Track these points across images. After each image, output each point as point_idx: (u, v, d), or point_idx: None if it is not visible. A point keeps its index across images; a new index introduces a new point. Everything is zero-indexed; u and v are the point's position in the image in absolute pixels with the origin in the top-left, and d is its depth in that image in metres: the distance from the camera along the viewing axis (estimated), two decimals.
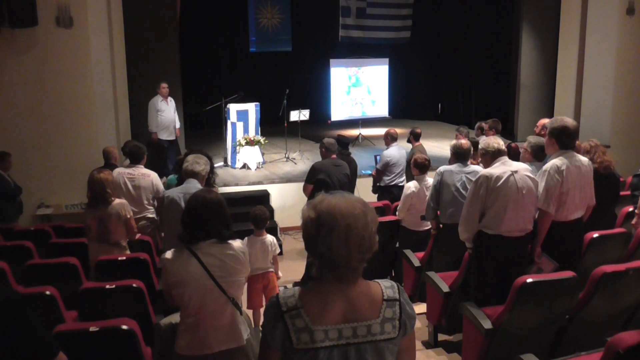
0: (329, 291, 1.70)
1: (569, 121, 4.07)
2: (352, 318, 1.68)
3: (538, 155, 4.71)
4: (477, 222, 4.04)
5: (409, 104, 15.37)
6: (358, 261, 1.69)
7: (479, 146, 4.36)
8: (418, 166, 5.62)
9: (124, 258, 4.38)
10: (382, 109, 12.92)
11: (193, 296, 2.65)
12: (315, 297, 1.70)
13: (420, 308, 4.82)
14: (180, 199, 3.99)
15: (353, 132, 12.20)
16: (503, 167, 4.02)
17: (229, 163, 9.73)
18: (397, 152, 7.19)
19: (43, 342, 1.72)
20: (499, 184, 3.92)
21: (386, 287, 1.75)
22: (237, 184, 8.69)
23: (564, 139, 4.03)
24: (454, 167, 5.03)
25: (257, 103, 9.80)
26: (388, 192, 7.15)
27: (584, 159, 4.13)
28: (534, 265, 4.04)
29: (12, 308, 1.67)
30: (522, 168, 4.07)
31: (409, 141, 7.52)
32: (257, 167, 9.55)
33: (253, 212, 4.81)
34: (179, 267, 2.66)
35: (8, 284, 4.04)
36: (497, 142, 4.21)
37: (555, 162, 3.99)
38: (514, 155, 5.73)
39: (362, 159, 9.45)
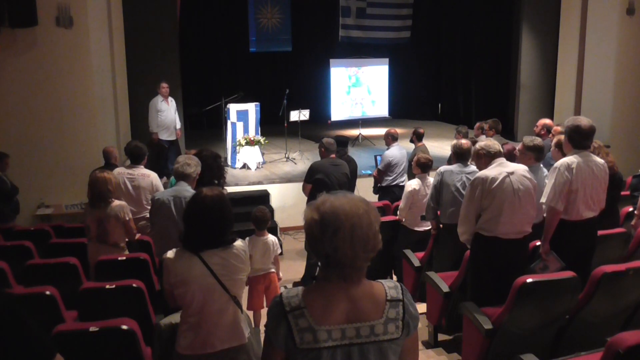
0: (333, 291, 1.70)
1: (583, 121, 4.02)
2: (355, 318, 1.68)
3: (537, 156, 4.70)
4: (474, 224, 4.04)
5: (409, 104, 15.37)
6: (363, 260, 1.70)
7: (476, 147, 4.36)
8: (421, 165, 5.63)
9: (124, 258, 4.38)
10: (382, 109, 12.92)
11: (196, 295, 2.65)
12: (318, 297, 1.70)
13: (420, 308, 4.82)
14: (170, 202, 3.97)
15: (353, 132, 12.20)
16: (499, 169, 4.01)
17: (229, 163, 9.72)
18: (398, 152, 7.20)
19: (40, 344, 1.71)
20: (494, 185, 3.91)
21: (389, 287, 1.75)
22: (237, 184, 8.69)
23: (576, 138, 4.00)
24: (454, 167, 5.04)
25: (257, 103, 9.80)
26: (389, 192, 7.15)
27: (599, 160, 4.09)
28: (540, 261, 4.04)
29: (7, 310, 1.66)
30: (519, 169, 4.05)
31: (411, 141, 7.52)
32: (257, 167, 9.56)
33: (254, 213, 4.81)
34: (182, 266, 2.66)
35: (8, 284, 4.04)
36: (496, 144, 4.22)
37: (566, 159, 3.98)
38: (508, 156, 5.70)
39: (362, 159, 9.45)
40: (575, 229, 4.03)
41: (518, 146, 4.96)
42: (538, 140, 4.75)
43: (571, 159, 3.96)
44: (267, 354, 1.74)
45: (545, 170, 4.82)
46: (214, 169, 4.50)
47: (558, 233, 4.01)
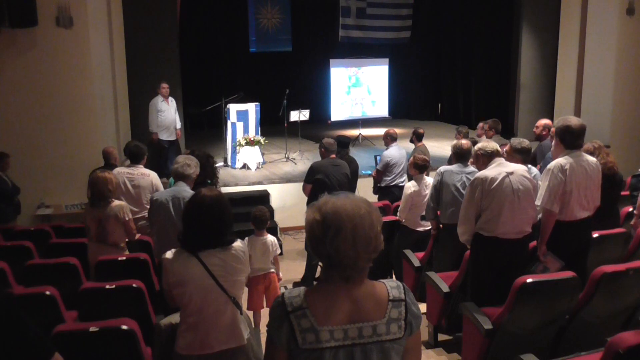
0: (335, 291, 1.70)
1: (573, 120, 4.02)
2: (358, 318, 1.69)
3: (524, 159, 4.68)
4: (474, 224, 4.04)
5: (409, 104, 15.38)
6: (365, 261, 1.70)
7: (475, 147, 4.35)
8: (417, 166, 5.62)
9: (124, 258, 4.38)
10: (382, 109, 12.92)
11: (193, 296, 2.64)
12: (320, 298, 1.70)
13: (420, 308, 4.81)
14: (169, 202, 3.97)
15: (353, 132, 12.20)
16: (498, 169, 4.02)
17: (229, 163, 9.73)
18: (397, 152, 7.20)
19: (38, 343, 1.71)
20: (494, 185, 3.91)
21: (392, 287, 1.76)
22: (237, 184, 8.70)
23: (568, 138, 4.00)
24: (454, 167, 5.04)
25: (257, 103, 9.80)
26: (389, 193, 7.15)
27: (591, 159, 4.09)
28: (539, 264, 4.04)
29: (5, 309, 1.66)
30: (518, 169, 4.05)
31: (411, 141, 7.51)
32: (257, 167, 9.56)
33: (253, 213, 4.82)
34: (180, 266, 2.66)
35: (8, 284, 4.04)
36: (494, 144, 4.22)
37: (559, 161, 3.97)
38: None
39: (362, 159, 9.44)
40: (570, 230, 4.03)
41: (505, 148, 4.93)
42: (526, 143, 4.74)
43: (564, 160, 3.96)
44: (269, 354, 1.74)
45: (534, 170, 4.81)
46: (206, 168, 4.52)
47: (552, 234, 4.02)
